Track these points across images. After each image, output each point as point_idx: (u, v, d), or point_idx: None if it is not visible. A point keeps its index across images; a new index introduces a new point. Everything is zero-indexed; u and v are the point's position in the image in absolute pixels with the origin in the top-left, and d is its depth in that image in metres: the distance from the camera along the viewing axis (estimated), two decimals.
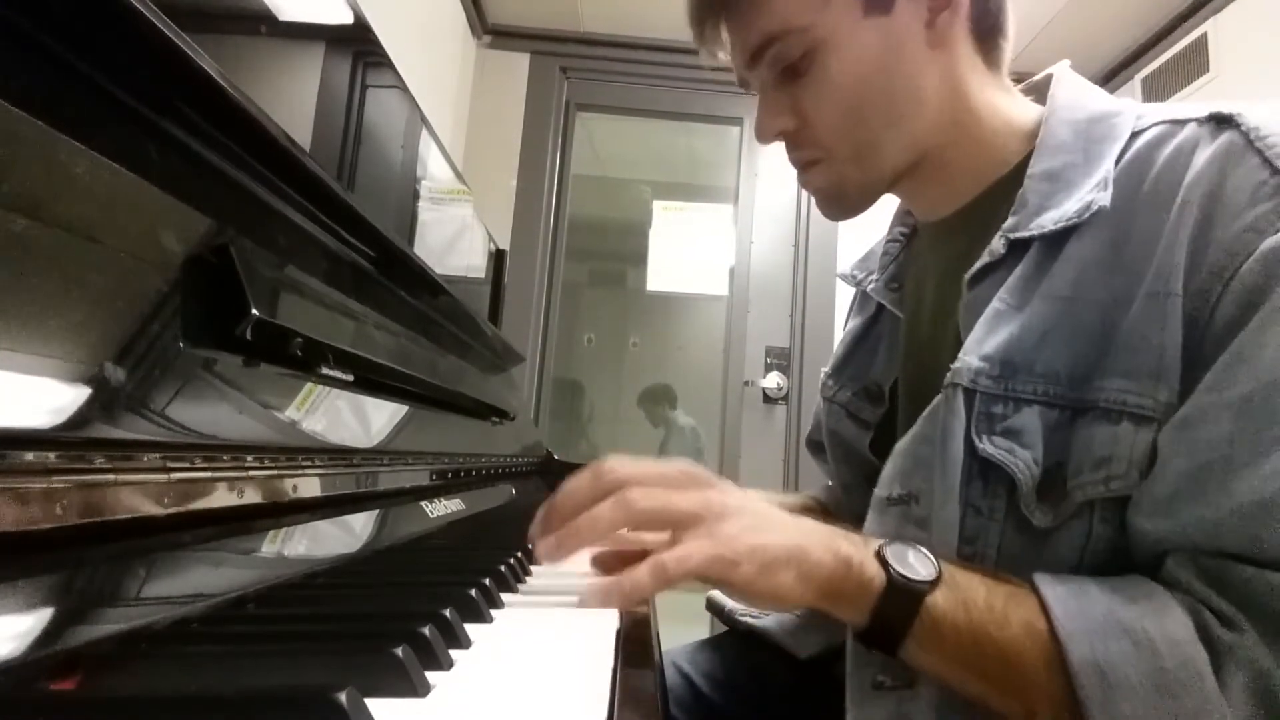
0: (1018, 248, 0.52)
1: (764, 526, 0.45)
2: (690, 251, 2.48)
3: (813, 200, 0.64)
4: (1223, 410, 0.41)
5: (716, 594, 0.78)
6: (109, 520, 0.33)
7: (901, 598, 0.44)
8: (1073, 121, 0.54)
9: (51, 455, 0.30)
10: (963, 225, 0.60)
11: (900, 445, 0.55)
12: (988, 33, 0.57)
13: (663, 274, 2.48)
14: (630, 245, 2.63)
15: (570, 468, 1.47)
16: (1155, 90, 2.15)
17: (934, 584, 0.44)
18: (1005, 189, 0.56)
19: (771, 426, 2.30)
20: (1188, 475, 0.42)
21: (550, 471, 1.49)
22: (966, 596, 0.44)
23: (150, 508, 0.36)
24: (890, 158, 0.58)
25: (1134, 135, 0.51)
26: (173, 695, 0.25)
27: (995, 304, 0.51)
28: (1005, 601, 0.44)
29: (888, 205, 0.66)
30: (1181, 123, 0.49)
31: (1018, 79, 0.63)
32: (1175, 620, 0.40)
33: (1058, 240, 0.50)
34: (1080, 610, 0.42)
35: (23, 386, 0.29)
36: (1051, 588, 0.44)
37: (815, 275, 2.33)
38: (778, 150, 0.62)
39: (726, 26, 0.59)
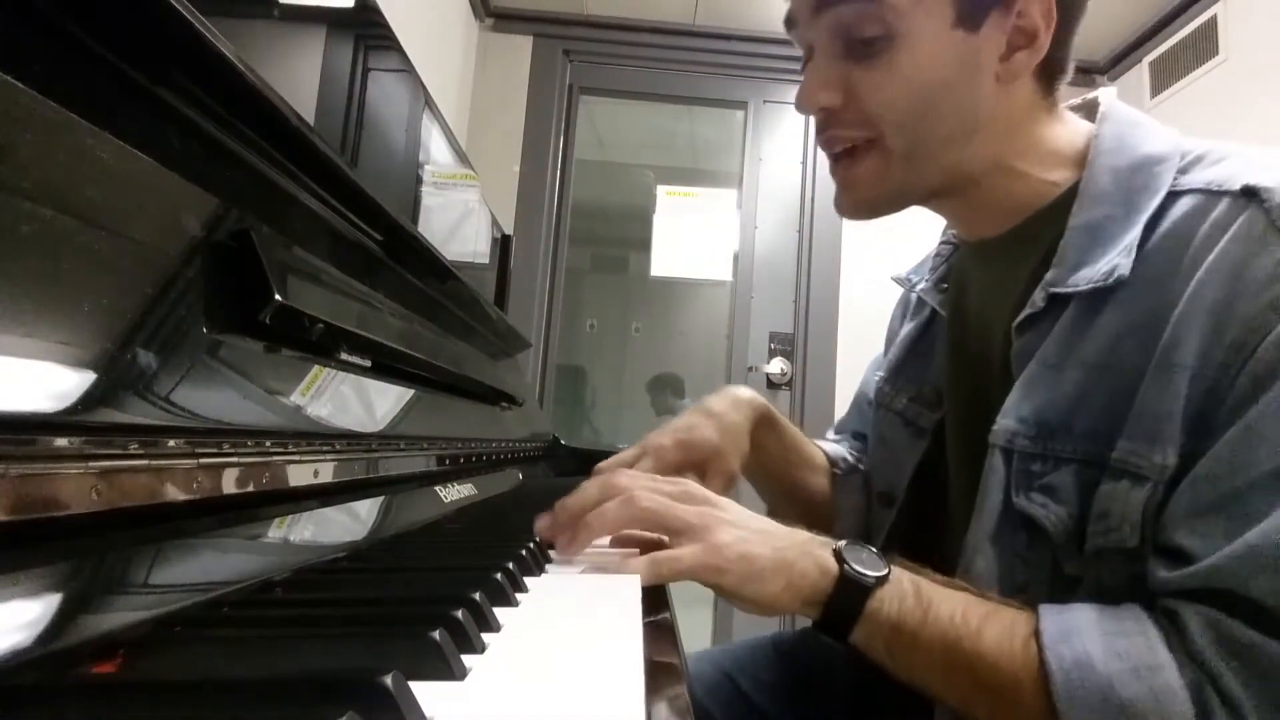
0: (1058, 302, 0.52)
1: (754, 540, 0.50)
2: (694, 236, 2.47)
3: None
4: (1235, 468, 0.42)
5: None
6: (141, 505, 0.33)
7: (851, 588, 0.48)
8: (1114, 169, 0.53)
9: (81, 441, 0.30)
10: (1003, 250, 0.60)
11: None
12: (1053, 74, 0.57)
13: (666, 259, 2.47)
14: (633, 230, 2.62)
15: (576, 453, 1.49)
16: (1163, 74, 2.14)
17: (881, 581, 0.48)
18: (1047, 218, 0.56)
19: None
20: (1194, 511, 0.43)
21: (556, 456, 1.49)
22: (929, 596, 0.48)
23: (179, 492, 0.36)
24: (934, 170, 0.57)
25: (1172, 195, 0.50)
26: (218, 678, 0.25)
27: (1032, 364, 0.52)
28: (983, 617, 0.46)
29: (921, 212, 0.64)
30: (1218, 195, 0.48)
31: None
32: (1177, 707, 0.40)
33: (1094, 300, 0.50)
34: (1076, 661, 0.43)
35: (55, 374, 0.29)
36: (1053, 645, 0.44)
37: (819, 260, 2.32)
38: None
39: None
